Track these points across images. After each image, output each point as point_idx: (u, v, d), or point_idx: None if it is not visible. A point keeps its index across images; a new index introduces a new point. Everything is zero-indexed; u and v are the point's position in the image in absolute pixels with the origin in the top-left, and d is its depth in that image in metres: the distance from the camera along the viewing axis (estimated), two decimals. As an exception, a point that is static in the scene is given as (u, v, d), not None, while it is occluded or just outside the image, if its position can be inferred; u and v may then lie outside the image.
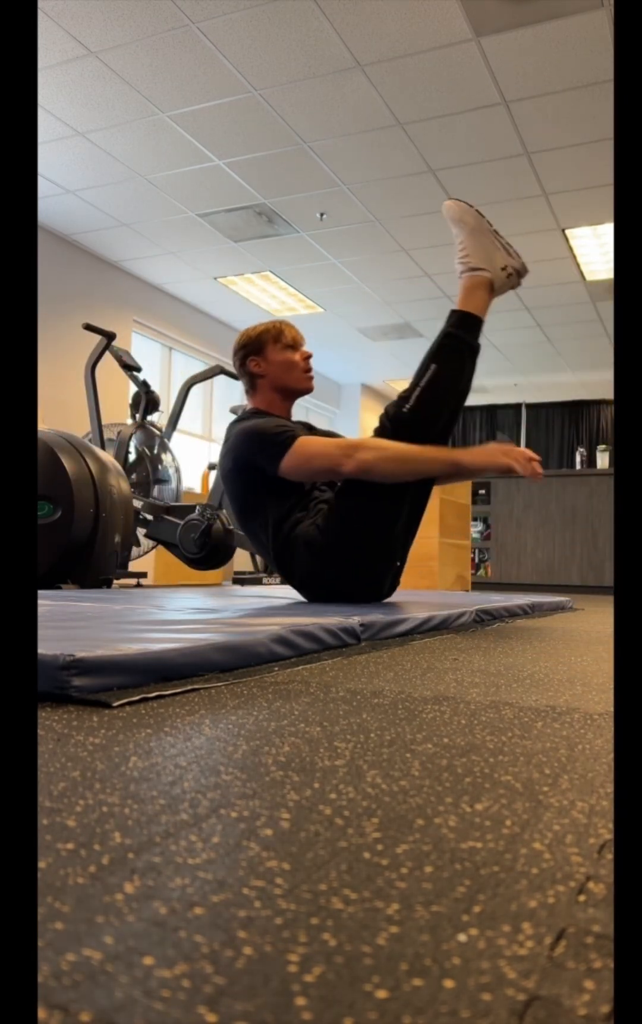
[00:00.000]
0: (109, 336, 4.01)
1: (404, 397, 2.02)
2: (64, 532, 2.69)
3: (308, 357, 2.22)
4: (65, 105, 4.47)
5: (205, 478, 5.89)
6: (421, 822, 0.44)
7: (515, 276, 2.15)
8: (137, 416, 4.36)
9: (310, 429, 2.32)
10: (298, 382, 2.21)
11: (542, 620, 2.37)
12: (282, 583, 2.19)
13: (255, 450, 2.01)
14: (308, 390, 2.24)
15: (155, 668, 0.88)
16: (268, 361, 2.18)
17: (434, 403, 2.01)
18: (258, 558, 5.20)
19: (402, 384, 10.29)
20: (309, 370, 2.22)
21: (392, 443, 1.95)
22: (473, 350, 2.08)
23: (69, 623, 1.21)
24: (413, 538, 2.21)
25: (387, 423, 2.02)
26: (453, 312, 2.10)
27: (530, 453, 1.96)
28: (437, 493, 4.54)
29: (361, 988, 0.26)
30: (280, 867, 0.37)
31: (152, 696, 0.82)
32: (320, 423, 10.24)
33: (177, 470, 4.52)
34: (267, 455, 1.98)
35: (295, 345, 2.21)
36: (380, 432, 2.03)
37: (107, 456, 3.01)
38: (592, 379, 9.95)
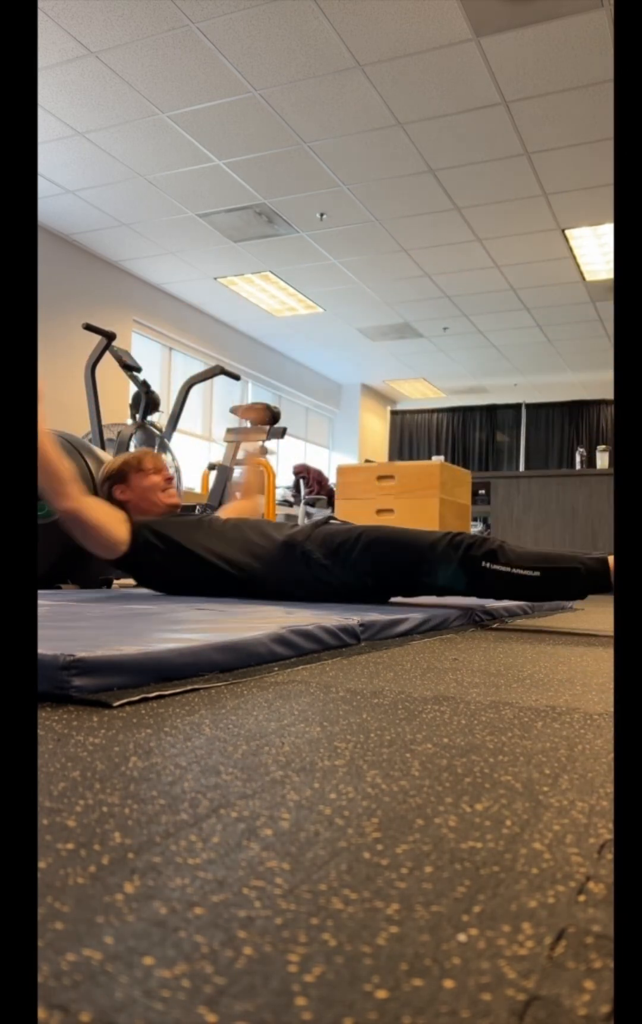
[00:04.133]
0: (109, 336, 4.01)
1: (492, 555, 1.91)
2: (64, 532, 2.69)
3: (170, 478, 2.31)
4: (65, 105, 4.47)
5: (205, 478, 5.89)
6: (421, 822, 0.44)
7: None
8: (137, 416, 4.36)
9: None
10: (161, 501, 2.27)
11: (542, 620, 2.37)
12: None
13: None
14: (175, 505, 2.31)
15: (155, 668, 0.88)
16: (132, 487, 2.26)
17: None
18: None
19: (402, 384, 10.30)
20: (170, 488, 2.30)
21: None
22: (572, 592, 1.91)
23: (69, 623, 1.21)
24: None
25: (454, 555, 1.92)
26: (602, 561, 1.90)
27: None
28: (437, 494, 4.54)
29: (361, 988, 0.26)
30: (280, 867, 0.37)
31: (152, 696, 0.82)
32: (320, 423, 10.25)
33: (177, 470, 4.52)
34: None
35: (156, 470, 2.29)
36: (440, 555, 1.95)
37: (107, 456, 3.01)
38: (592, 379, 9.95)
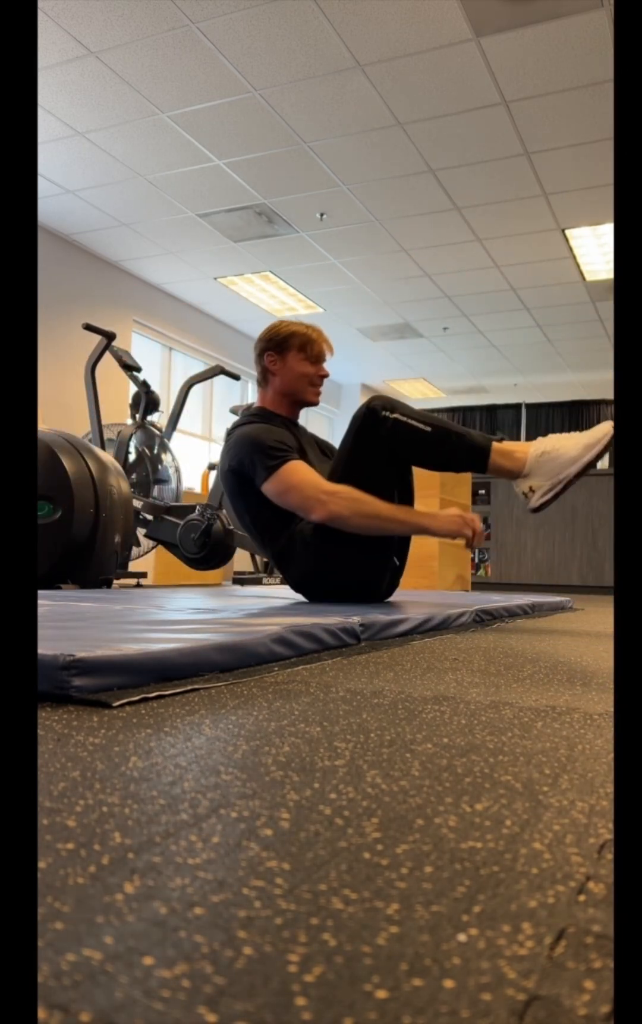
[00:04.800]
0: (109, 336, 4.01)
1: (390, 406, 1.98)
2: (64, 532, 2.69)
3: (324, 375, 2.24)
4: (65, 105, 4.47)
5: (205, 478, 5.89)
6: (421, 822, 0.44)
7: (525, 496, 1.98)
8: (137, 416, 4.36)
9: (320, 448, 2.32)
10: (305, 394, 2.23)
11: (542, 620, 2.37)
12: (283, 583, 2.20)
13: (248, 460, 2.02)
14: (312, 403, 2.26)
15: (155, 668, 0.88)
16: (285, 364, 2.19)
17: (415, 441, 1.97)
18: (258, 558, 5.20)
19: (402, 384, 10.29)
20: (318, 385, 2.24)
21: (368, 498, 1.94)
22: (482, 456, 1.95)
23: (69, 623, 1.21)
24: (409, 539, 2.21)
25: (366, 425, 1.98)
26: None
27: (481, 527, 2.01)
28: (437, 493, 4.54)
29: (361, 988, 0.26)
30: (280, 867, 0.37)
31: (152, 696, 0.82)
32: (320, 423, 10.24)
33: (177, 470, 4.52)
34: (256, 469, 2.01)
35: (317, 359, 2.22)
36: (358, 430, 1.99)
37: (107, 456, 3.01)
38: (592, 379, 9.95)
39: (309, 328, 2.23)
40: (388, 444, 1.96)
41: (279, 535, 2.08)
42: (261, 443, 2.02)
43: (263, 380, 2.25)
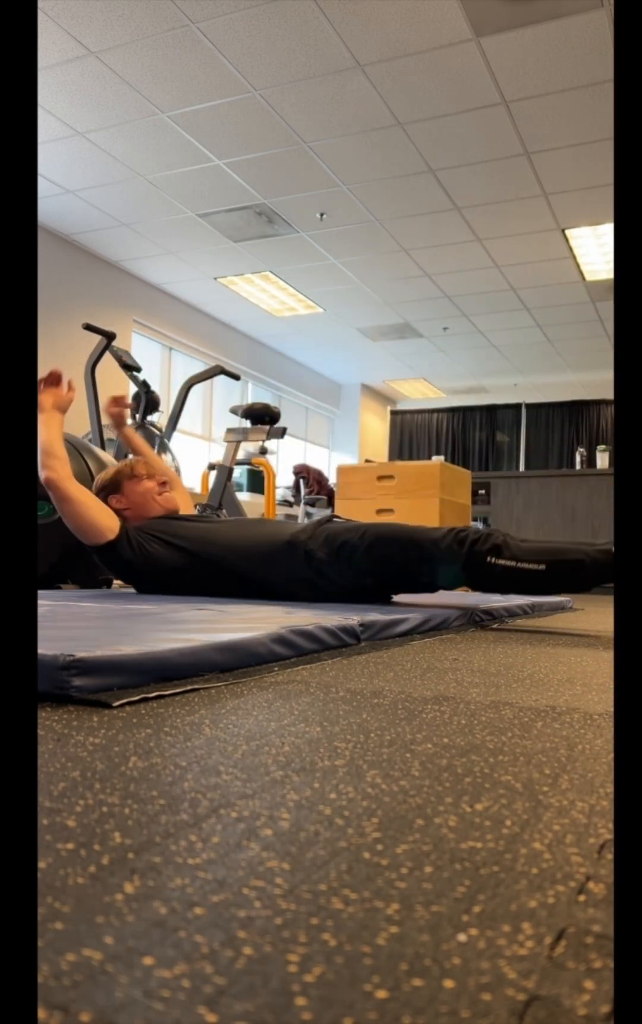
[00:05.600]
0: (109, 336, 4.01)
1: (496, 550, 1.89)
2: (64, 532, 2.69)
3: (164, 483, 2.32)
4: (65, 105, 4.47)
5: (205, 478, 5.90)
6: (421, 822, 0.44)
7: None
8: (137, 416, 4.36)
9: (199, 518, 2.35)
10: (156, 505, 2.29)
11: (542, 620, 2.37)
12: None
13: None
14: (172, 509, 2.31)
15: (155, 668, 0.88)
16: (127, 497, 2.28)
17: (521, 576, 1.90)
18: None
19: (402, 384, 10.29)
20: (164, 492, 2.31)
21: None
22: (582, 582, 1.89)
23: (69, 623, 1.21)
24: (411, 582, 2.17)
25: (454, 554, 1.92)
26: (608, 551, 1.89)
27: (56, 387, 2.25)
28: (437, 494, 4.54)
29: (361, 988, 0.26)
30: (280, 867, 0.37)
31: (152, 696, 0.82)
32: (320, 423, 10.24)
33: (177, 470, 4.52)
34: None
35: (149, 475, 2.30)
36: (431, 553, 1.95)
37: (107, 456, 3.01)
38: (592, 379, 9.95)
39: (124, 462, 2.35)
40: (498, 584, 1.91)
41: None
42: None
43: (125, 520, 2.28)
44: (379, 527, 2.03)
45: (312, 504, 7.54)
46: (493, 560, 1.88)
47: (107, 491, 2.30)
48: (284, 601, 2.02)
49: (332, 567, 2.02)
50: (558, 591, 1.92)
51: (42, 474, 2.07)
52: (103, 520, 2.11)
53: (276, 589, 2.09)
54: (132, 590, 2.79)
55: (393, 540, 1.99)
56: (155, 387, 7.28)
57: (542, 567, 1.85)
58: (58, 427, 2.18)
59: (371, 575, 2.02)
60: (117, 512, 2.27)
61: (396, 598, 2.42)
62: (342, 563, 2.01)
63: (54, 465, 2.08)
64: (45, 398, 2.22)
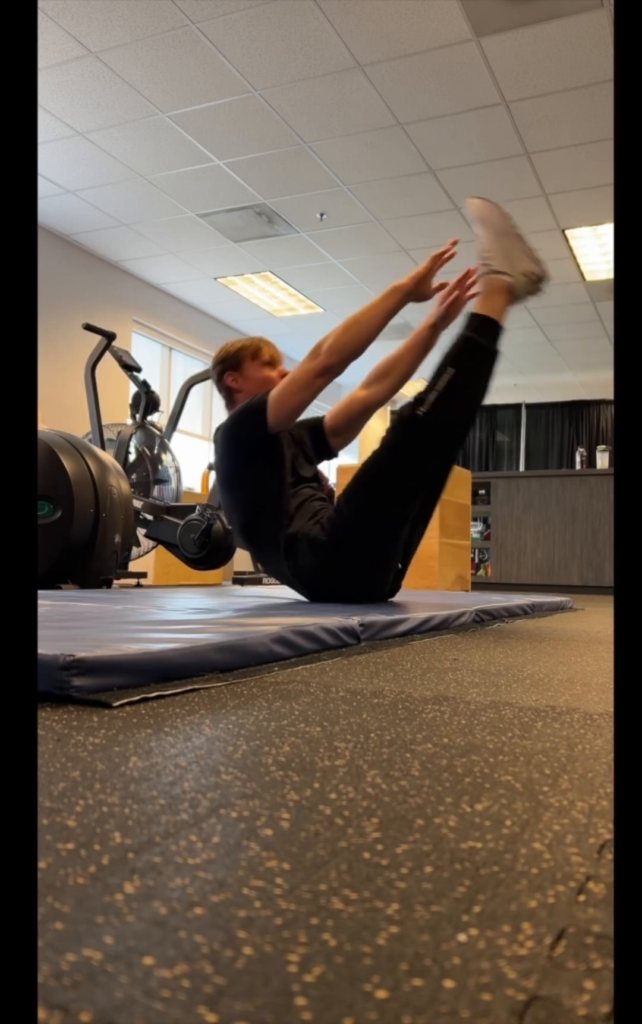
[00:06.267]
0: (109, 336, 4.01)
1: (418, 400, 1.95)
2: (64, 532, 2.69)
3: (285, 375, 2.22)
4: (65, 105, 4.47)
5: (205, 478, 5.89)
6: (421, 822, 0.44)
7: (536, 283, 2.03)
8: (137, 416, 4.36)
9: (308, 427, 2.33)
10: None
11: (542, 620, 2.37)
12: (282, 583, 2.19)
13: (241, 428, 2.02)
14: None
15: (155, 668, 0.88)
16: (245, 377, 2.22)
17: (450, 407, 1.95)
18: (258, 558, 5.19)
19: (402, 384, 10.29)
20: None
21: (342, 323, 1.97)
22: (492, 355, 2.00)
23: (69, 623, 1.21)
24: (418, 542, 2.20)
25: (400, 427, 1.96)
26: (472, 315, 2.01)
27: (443, 249, 2.05)
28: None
29: (361, 988, 0.26)
30: (280, 867, 0.37)
31: (152, 696, 0.82)
32: (320, 423, 10.24)
33: (177, 470, 4.52)
34: (252, 424, 1.99)
35: (273, 363, 2.24)
36: (392, 437, 1.98)
37: (107, 456, 3.01)
38: (592, 379, 9.95)
39: (253, 339, 2.27)
40: (427, 436, 1.94)
41: (274, 533, 2.08)
42: (238, 411, 2.05)
43: (229, 400, 2.27)
44: (347, 489, 2.04)
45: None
46: (419, 411, 1.91)
47: (226, 365, 2.23)
48: (300, 598, 2.02)
49: (335, 548, 2.00)
50: (483, 383, 1.97)
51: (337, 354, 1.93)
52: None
53: (309, 588, 2.10)
54: (132, 590, 2.79)
55: (355, 483, 2.00)
56: (155, 387, 7.28)
57: (451, 371, 1.91)
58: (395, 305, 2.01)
59: (366, 519, 2.00)
60: (230, 391, 2.23)
61: (396, 598, 2.43)
62: (339, 535, 2.00)
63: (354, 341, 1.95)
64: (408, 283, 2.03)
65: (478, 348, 1.97)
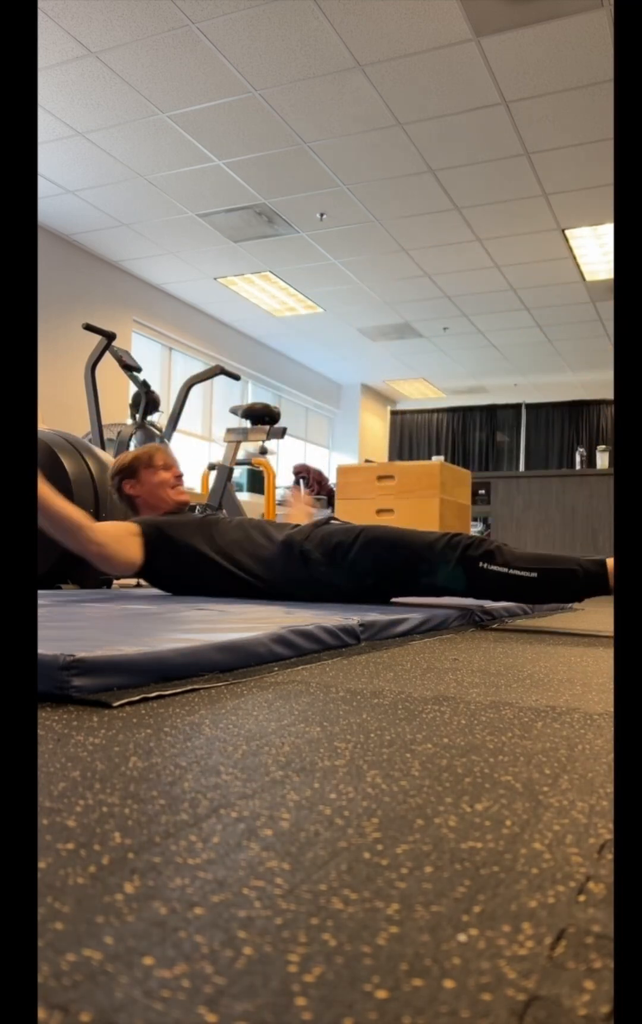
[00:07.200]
0: (109, 336, 4.01)
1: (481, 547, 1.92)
2: (64, 532, 2.69)
3: (179, 475, 2.35)
4: (65, 105, 4.47)
5: (205, 478, 5.89)
6: (421, 822, 0.44)
7: None
8: (137, 416, 4.36)
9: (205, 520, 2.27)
10: (168, 498, 2.31)
11: (542, 620, 2.37)
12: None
13: None
14: (183, 503, 2.33)
15: (155, 668, 0.88)
16: (141, 483, 2.30)
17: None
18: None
19: (402, 384, 10.29)
20: (178, 485, 2.34)
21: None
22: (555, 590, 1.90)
23: (69, 623, 1.21)
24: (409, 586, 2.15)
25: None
26: (600, 562, 1.88)
27: None
28: (437, 494, 4.54)
29: (361, 988, 0.26)
30: (280, 867, 0.37)
31: (152, 696, 0.82)
32: (320, 423, 10.24)
33: (177, 470, 4.52)
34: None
35: (167, 466, 2.33)
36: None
37: (107, 456, 3.01)
38: (592, 379, 9.95)
39: (147, 447, 2.36)
40: (491, 589, 1.92)
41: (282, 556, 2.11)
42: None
43: (133, 508, 2.34)
44: (373, 529, 2.04)
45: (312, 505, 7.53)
46: (485, 565, 1.89)
47: (123, 475, 2.32)
48: (285, 601, 2.02)
49: (327, 568, 2.03)
50: (549, 599, 1.92)
51: (88, 547, 1.90)
52: (133, 555, 2.03)
53: (278, 590, 2.09)
54: (132, 590, 2.79)
55: (385, 542, 2.00)
56: (155, 387, 7.28)
57: (534, 574, 1.87)
58: (54, 492, 1.92)
59: (369, 576, 2.02)
60: (131, 498, 2.31)
61: (397, 599, 2.43)
62: (336, 564, 2.02)
63: (88, 534, 1.90)
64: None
65: (575, 584, 1.87)
